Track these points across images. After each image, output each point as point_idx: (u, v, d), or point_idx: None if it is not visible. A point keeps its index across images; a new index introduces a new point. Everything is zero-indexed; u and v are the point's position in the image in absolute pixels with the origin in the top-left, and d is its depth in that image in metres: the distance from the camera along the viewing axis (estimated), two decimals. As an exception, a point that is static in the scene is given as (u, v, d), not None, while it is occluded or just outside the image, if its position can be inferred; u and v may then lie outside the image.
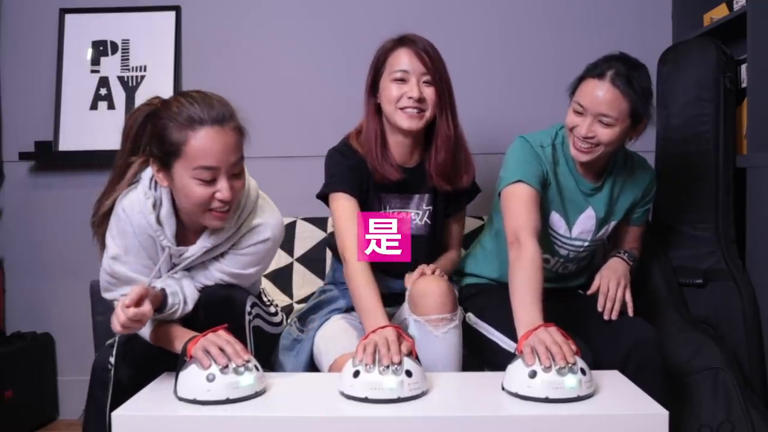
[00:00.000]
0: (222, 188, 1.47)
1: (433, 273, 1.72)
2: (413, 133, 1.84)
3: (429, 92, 1.80)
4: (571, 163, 1.81)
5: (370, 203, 1.85)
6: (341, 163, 1.83)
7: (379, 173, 1.82)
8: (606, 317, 1.74)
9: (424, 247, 1.90)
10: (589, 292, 1.81)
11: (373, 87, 1.86)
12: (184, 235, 1.59)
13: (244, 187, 1.55)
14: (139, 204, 1.53)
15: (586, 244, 1.86)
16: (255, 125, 2.43)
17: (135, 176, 1.56)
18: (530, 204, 1.72)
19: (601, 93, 1.67)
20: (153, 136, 1.49)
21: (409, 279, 1.73)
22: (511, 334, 1.57)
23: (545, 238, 1.82)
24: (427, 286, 1.65)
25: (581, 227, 1.84)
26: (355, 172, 1.82)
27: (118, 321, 1.38)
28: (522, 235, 1.66)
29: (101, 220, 1.57)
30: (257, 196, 1.63)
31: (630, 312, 1.75)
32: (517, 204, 1.72)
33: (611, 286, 1.77)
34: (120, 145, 1.58)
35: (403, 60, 1.80)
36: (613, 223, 1.88)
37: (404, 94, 1.78)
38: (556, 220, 1.83)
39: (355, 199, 1.78)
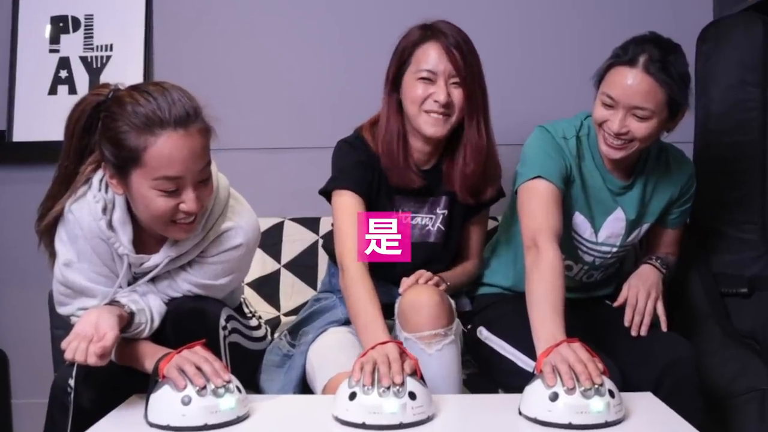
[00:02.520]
0: (187, 199, 1.46)
1: (426, 282, 1.72)
2: (438, 141, 1.85)
3: (457, 95, 1.80)
4: (599, 159, 1.81)
5: (381, 205, 1.85)
6: (350, 157, 1.84)
7: (398, 178, 1.84)
8: (634, 333, 1.74)
9: (438, 255, 1.91)
10: (615, 304, 1.81)
11: (396, 81, 1.86)
12: (144, 241, 1.58)
13: (212, 193, 1.55)
14: (88, 206, 1.53)
15: (614, 249, 1.86)
16: (236, 112, 2.44)
17: (86, 181, 1.55)
18: (550, 203, 1.71)
19: (633, 82, 1.65)
20: (104, 137, 1.46)
21: (404, 284, 1.73)
22: (529, 350, 1.56)
23: (568, 242, 1.82)
24: (416, 298, 1.65)
25: (609, 230, 1.84)
26: (366, 169, 1.83)
27: (77, 356, 1.37)
28: (540, 239, 1.65)
29: (48, 229, 1.57)
30: (228, 196, 1.63)
31: (663, 327, 1.75)
32: (536, 203, 1.72)
33: (640, 297, 1.77)
34: (64, 142, 1.55)
35: (432, 57, 1.79)
36: (645, 226, 1.88)
37: (430, 96, 1.79)
38: (581, 222, 1.82)
39: (362, 199, 1.79)
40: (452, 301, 1.75)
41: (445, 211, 1.92)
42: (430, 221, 1.91)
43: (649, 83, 1.64)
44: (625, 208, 1.83)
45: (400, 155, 1.84)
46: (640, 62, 1.65)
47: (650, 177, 1.84)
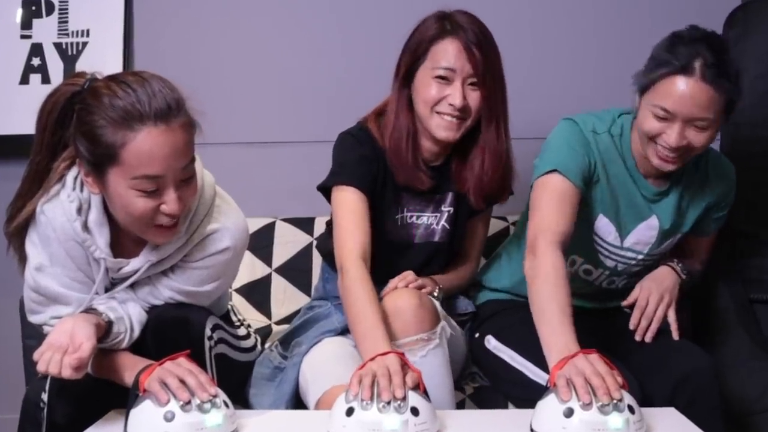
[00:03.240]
0: (169, 200, 1.45)
1: (407, 285, 1.74)
2: (445, 143, 1.86)
3: (474, 97, 1.81)
4: (631, 162, 1.79)
5: (386, 203, 1.87)
6: (354, 151, 1.84)
7: (405, 177, 1.85)
8: (637, 338, 1.75)
9: (441, 254, 1.94)
10: (624, 303, 1.81)
11: (407, 76, 1.86)
12: (122, 244, 1.58)
13: (196, 193, 1.54)
14: (61, 206, 1.53)
15: (641, 257, 1.85)
16: (224, 104, 2.43)
17: (60, 179, 1.55)
18: (563, 202, 1.70)
19: (692, 93, 1.60)
20: (79, 132, 1.46)
21: (387, 288, 1.75)
22: (541, 361, 1.56)
23: (588, 245, 1.82)
24: (395, 303, 1.66)
25: (637, 237, 1.82)
26: (370, 164, 1.83)
27: (50, 368, 1.37)
28: (541, 241, 1.65)
29: (18, 231, 1.57)
30: (213, 195, 1.63)
31: (675, 335, 1.75)
32: (547, 200, 1.71)
33: (651, 300, 1.76)
34: (35, 136, 1.55)
35: (450, 55, 1.79)
36: (679, 236, 1.87)
37: (445, 98, 1.79)
38: (604, 225, 1.81)
39: (365, 196, 1.79)
40: (437, 303, 1.76)
41: (451, 209, 1.93)
42: (435, 219, 1.93)
43: (709, 92, 1.60)
44: (661, 216, 1.81)
45: (409, 155, 1.84)
46: (697, 69, 1.59)
47: (688, 183, 1.82)
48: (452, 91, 1.78)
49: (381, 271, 1.75)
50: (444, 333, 1.70)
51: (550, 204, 1.70)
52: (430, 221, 1.92)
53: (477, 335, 1.90)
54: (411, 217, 1.92)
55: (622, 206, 1.80)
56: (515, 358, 1.75)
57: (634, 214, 1.81)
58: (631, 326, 1.76)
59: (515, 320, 1.82)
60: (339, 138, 1.89)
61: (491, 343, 1.83)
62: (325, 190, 1.84)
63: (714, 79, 1.59)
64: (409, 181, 1.86)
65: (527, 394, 1.58)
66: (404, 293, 1.69)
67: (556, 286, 1.58)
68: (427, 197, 1.91)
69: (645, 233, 1.82)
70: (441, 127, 1.81)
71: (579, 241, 1.78)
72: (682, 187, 1.82)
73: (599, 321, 1.87)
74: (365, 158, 1.83)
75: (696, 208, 1.84)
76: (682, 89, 1.61)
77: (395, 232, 1.90)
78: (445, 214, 1.93)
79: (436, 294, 1.84)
